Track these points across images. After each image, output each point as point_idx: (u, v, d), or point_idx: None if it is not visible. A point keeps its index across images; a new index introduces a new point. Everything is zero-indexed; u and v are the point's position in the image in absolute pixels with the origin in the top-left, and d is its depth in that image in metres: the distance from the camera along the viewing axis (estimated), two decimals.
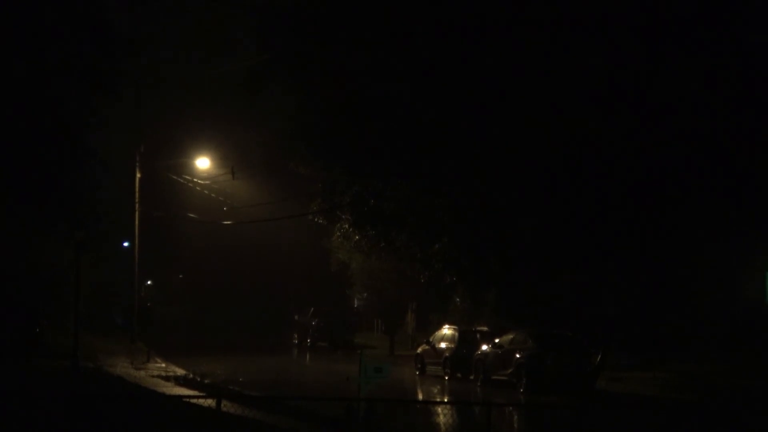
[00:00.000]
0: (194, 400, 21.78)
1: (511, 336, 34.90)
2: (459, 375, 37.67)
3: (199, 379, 32.98)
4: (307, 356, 52.67)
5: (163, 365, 38.89)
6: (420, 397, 32.90)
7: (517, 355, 33.34)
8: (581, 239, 31.68)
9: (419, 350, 41.34)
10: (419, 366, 40.48)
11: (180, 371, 36.16)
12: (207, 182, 52.34)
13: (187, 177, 52.47)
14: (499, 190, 31.99)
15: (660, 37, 28.28)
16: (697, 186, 30.28)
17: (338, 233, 47.08)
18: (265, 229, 66.66)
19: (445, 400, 31.67)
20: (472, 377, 36.39)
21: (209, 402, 18.82)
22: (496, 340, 35.47)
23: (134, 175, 50.35)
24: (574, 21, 28.57)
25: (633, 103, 28.86)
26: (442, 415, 23.89)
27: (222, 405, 14.73)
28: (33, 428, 17.58)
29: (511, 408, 26.86)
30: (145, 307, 51.93)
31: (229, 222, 55.63)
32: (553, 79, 28.71)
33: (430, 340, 40.70)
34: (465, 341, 38.39)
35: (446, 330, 40.44)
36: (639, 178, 30.04)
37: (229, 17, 52.94)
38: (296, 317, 63.52)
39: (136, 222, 50.40)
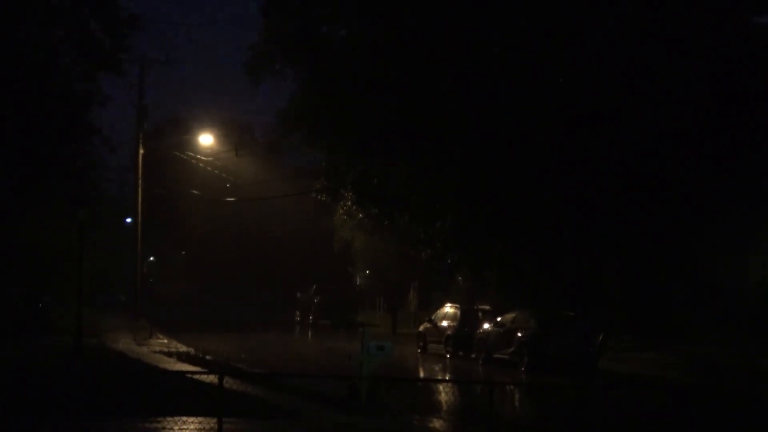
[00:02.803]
0: (196, 376, 21.82)
1: (513, 315, 34.92)
2: (461, 353, 37.72)
3: (201, 356, 33.04)
4: (310, 334, 52.78)
5: (165, 341, 38.98)
6: (422, 375, 32.95)
7: (519, 335, 33.35)
8: (585, 220, 31.65)
9: (421, 329, 41.38)
10: (421, 344, 40.54)
11: (182, 347, 36.23)
12: (210, 159, 52.33)
13: (191, 153, 52.47)
14: (501, 171, 31.95)
15: (662, 15, 28.23)
16: (701, 167, 30.23)
17: (341, 211, 47.10)
18: (268, 208, 66.75)
19: (447, 378, 31.72)
20: (473, 356, 36.43)
21: (211, 378, 18.84)
22: (498, 319, 35.50)
23: (137, 152, 50.34)
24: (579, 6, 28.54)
25: (637, 83, 28.79)
26: (444, 393, 23.92)
27: (224, 381, 14.74)
28: (37, 404, 17.62)
29: (512, 387, 26.90)
30: (147, 283, 52.01)
31: (231, 199, 55.67)
32: (558, 58, 28.65)
33: (432, 318, 40.75)
34: (467, 320, 38.43)
35: (448, 308, 40.48)
36: (643, 158, 29.99)
37: None
38: (299, 295, 63.64)
39: (139, 199, 50.41)
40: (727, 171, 30.05)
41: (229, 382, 16.62)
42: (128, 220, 59.63)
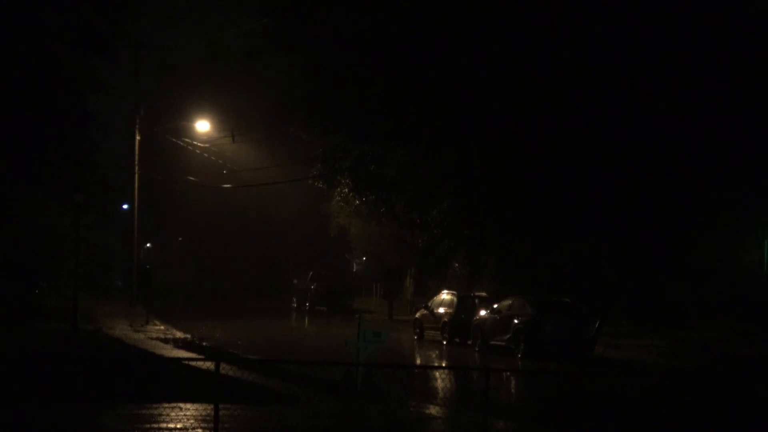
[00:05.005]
0: (193, 363, 21.83)
1: (509, 302, 34.95)
2: (457, 340, 37.76)
3: (197, 342, 33.06)
4: (306, 320, 52.78)
5: (162, 328, 38.98)
6: (418, 361, 33.01)
7: (515, 321, 33.39)
8: (581, 206, 31.68)
9: (418, 315, 41.40)
10: (418, 331, 40.57)
11: (179, 334, 36.24)
12: (206, 145, 52.23)
13: (187, 140, 52.36)
14: (498, 157, 31.96)
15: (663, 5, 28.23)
16: (696, 153, 30.25)
17: (338, 197, 47.14)
18: (265, 194, 66.71)
19: (444, 365, 31.76)
20: (470, 342, 36.47)
21: (208, 365, 18.84)
22: (495, 306, 35.52)
23: (134, 138, 50.27)
24: None
25: (635, 67, 28.78)
26: (441, 380, 23.95)
27: (221, 368, 14.74)
28: (32, 390, 17.62)
29: (508, 373, 26.94)
30: (144, 270, 51.97)
31: (228, 186, 55.57)
32: (556, 39, 28.63)
33: (429, 305, 40.76)
34: (463, 307, 38.43)
35: (445, 295, 40.49)
36: (639, 146, 30.00)
37: None
38: (295, 281, 63.66)
39: (136, 185, 50.36)
40: (722, 157, 30.08)
41: (225, 369, 16.60)
42: (125, 206, 59.55)
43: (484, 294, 40.24)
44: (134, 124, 50.29)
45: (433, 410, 19.70)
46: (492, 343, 34.61)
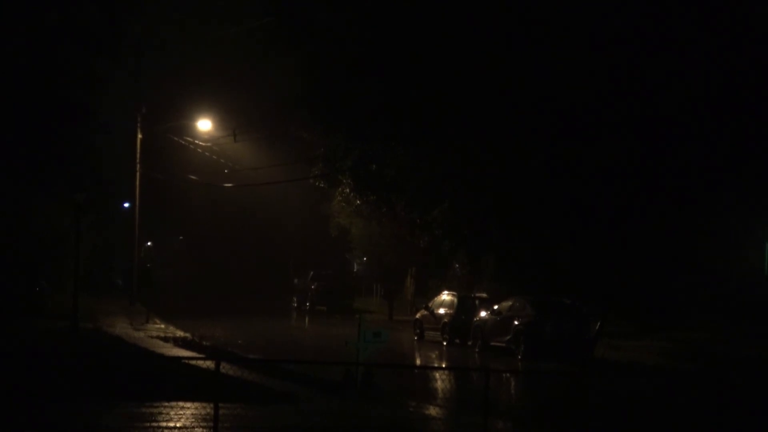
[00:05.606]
0: (193, 362, 21.83)
1: (509, 303, 34.93)
2: (457, 341, 37.75)
3: (198, 341, 33.05)
4: (306, 320, 52.78)
5: (162, 326, 38.98)
6: (418, 362, 33.00)
7: (516, 322, 33.38)
8: (582, 207, 31.69)
9: (418, 316, 41.39)
10: (418, 331, 40.56)
11: (179, 333, 36.24)
12: (208, 144, 52.17)
13: (189, 139, 52.31)
14: (500, 157, 31.98)
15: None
16: (699, 156, 30.26)
17: (339, 197, 47.12)
18: (266, 194, 66.68)
19: (444, 365, 31.75)
20: (470, 343, 36.46)
21: (208, 364, 18.86)
22: (495, 307, 35.51)
23: (135, 136, 50.26)
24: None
25: (637, 69, 28.80)
26: (441, 380, 23.94)
27: (221, 367, 14.74)
28: (31, 388, 17.63)
29: (508, 374, 26.93)
30: (144, 268, 51.96)
31: (229, 185, 55.54)
32: (556, 39, 28.66)
33: (429, 305, 40.75)
34: (464, 307, 38.42)
35: (445, 296, 40.48)
36: (641, 148, 30.02)
37: None
38: (295, 281, 63.65)
39: (137, 183, 50.34)
40: (723, 158, 30.10)
41: (225, 368, 16.61)
42: (126, 204, 59.55)
43: (484, 295, 40.21)
44: (136, 123, 50.27)
45: (433, 411, 19.70)
46: (492, 343, 34.60)
